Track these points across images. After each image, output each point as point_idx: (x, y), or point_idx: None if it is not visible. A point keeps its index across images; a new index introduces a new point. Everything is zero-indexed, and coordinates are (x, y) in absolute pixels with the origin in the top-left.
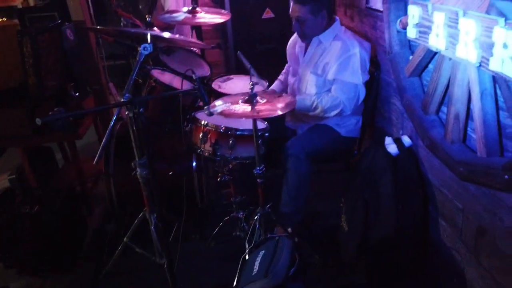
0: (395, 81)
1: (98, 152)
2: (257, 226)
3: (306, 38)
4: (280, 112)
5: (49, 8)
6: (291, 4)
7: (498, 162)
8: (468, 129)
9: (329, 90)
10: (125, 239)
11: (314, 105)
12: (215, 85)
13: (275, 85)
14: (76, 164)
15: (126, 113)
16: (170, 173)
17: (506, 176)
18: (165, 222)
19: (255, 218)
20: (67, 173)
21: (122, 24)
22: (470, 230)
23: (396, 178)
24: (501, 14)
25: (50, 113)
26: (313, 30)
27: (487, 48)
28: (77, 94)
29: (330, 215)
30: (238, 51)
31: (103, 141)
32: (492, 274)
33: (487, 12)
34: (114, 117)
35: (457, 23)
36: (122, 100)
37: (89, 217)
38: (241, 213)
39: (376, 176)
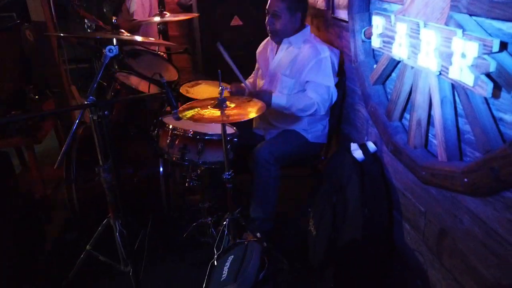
0: (360, 88)
1: (59, 156)
2: (226, 232)
3: (278, 36)
4: (250, 116)
5: (7, 8)
6: None
7: (458, 166)
8: (430, 134)
9: (302, 91)
10: (87, 247)
11: (289, 104)
12: (183, 90)
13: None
14: (34, 170)
15: (90, 115)
16: (135, 179)
17: (466, 179)
18: (130, 228)
19: (224, 223)
20: (25, 179)
21: (86, 25)
22: (432, 233)
23: (362, 183)
24: (459, 26)
25: (7, 116)
26: (286, 29)
27: (447, 57)
28: (37, 97)
29: (298, 219)
30: (218, 42)
31: (65, 145)
32: (454, 274)
33: (446, 24)
34: (77, 121)
35: (419, 33)
36: (86, 103)
37: (49, 225)
38: (209, 219)
39: (343, 181)
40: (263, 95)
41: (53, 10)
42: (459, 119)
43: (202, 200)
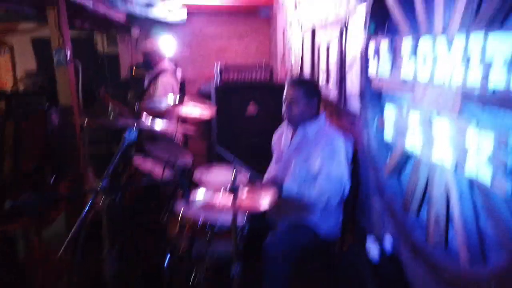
0: (374, 180)
1: (65, 243)
2: None
3: (294, 122)
4: (262, 209)
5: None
6: (286, 88)
7: (482, 271)
8: (449, 233)
9: (314, 181)
10: None
11: (299, 196)
12: (196, 175)
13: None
14: (39, 257)
15: (102, 200)
16: (140, 269)
17: (493, 285)
18: None
19: None
20: (28, 265)
21: (110, 110)
22: None
23: (380, 285)
24: (473, 116)
25: (21, 197)
26: (303, 114)
27: (462, 151)
28: (53, 177)
29: None
30: (218, 147)
31: (72, 231)
32: None
33: (460, 115)
34: (88, 206)
35: (432, 124)
36: (99, 186)
37: None
38: None
39: (358, 282)
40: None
41: (80, 96)
42: (479, 218)
43: None
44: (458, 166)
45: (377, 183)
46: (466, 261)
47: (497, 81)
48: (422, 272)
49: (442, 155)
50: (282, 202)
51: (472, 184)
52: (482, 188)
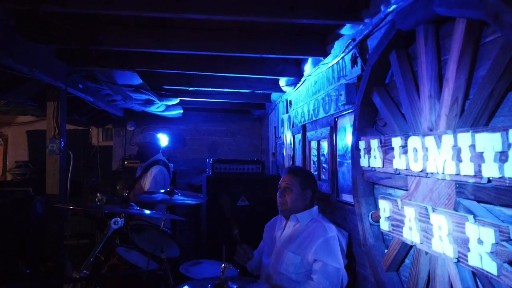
0: (373, 275)
1: None
2: None
3: (286, 210)
4: None
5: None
6: (283, 176)
7: None
8: None
9: (309, 273)
10: None
11: None
12: (182, 268)
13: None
14: None
15: None
16: None
17: None
18: None
19: None
20: None
21: (97, 199)
22: None
23: None
24: (469, 211)
25: None
26: (295, 203)
27: (462, 243)
28: (28, 271)
29: None
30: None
31: None
32: None
33: (455, 209)
34: None
35: (429, 218)
36: (79, 276)
37: None
38: None
39: None
40: None
41: (68, 185)
42: None
43: None
44: (460, 257)
45: (375, 279)
46: None
47: (491, 172)
48: None
49: (442, 247)
50: None
51: (476, 275)
52: (488, 281)
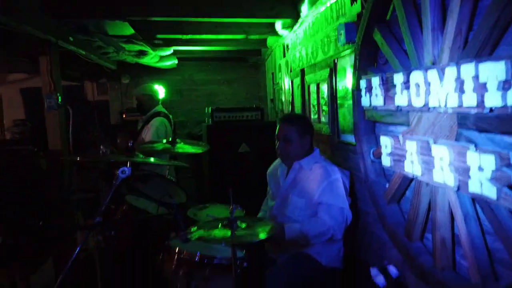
0: (375, 209)
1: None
2: None
3: (288, 159)
4: (260, 237)
5: (25, 141)
6: (279, 125)
7: None
8: (456, 255)
9: (314, 215)
10: None
11: (303, 233)
12: (190, 213)
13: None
14: None
15: (96, 237)
16: None
17: None
18: None
19: None
20: None
21: (101, 151)
22: None
23: None
24: (470, 141)
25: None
26: (296, 152)
27: (463, 172)
28: (41, 223)
29: None
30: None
31: (62, 274)
32: None
33: (456, 140)
34: (79, 247)
35: (430, 150)
36: (92, 224)
37: None
38: None
39: None
40: (275, 231)
41: (70, 140)
42: (487, 236)
43: None
44: (461, 185)
45: (377, 213)
46: (478, 279)
47: (493, 101)
48: None
49: (443, 177)
50: (287, 243)
51: (476, 202)
52: (487, 205)
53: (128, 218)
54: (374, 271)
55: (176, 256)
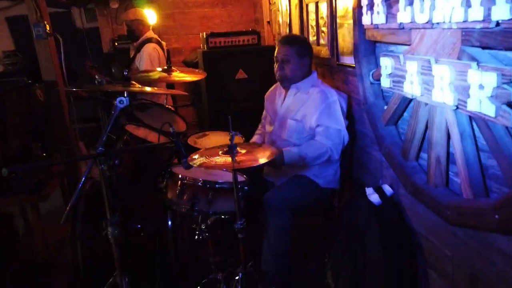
0: (372, 130)
1: (65, 212)
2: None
3: (287, 81)
4: (260, 162)
5: (19, 73)
6: (278, 46)
7: (486, 202)
8: (450, 173)
9: (312, 138)
10: None
11: (302, 155)
12: (190, 141)
13: (255, 139)
14: (37, 231)
15: (100, 166)
16: (143, 233)
17: (497, 216)
18: (138, 286)
19: (237, 278)
20: (28, 241)
21: (96, 81)
22: (462, 279)
23: (381, 228)
24: (473, 59)
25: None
26: (295, 73)
27: (463, 90)
28: (44, 154)
29: (314, 271)
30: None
31: (71, 200)
32: None
33: (459, 58)
34: (84, 176)
35: (431, 70)
36: (96, 153)
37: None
38: (220, 274)
39: (360, 228)
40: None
41: (64, 70)
42: (481, 154)
43: (212, 254)
44: (460, 104)
45: (375, 133)
46: (469, 195)
47: (501, 14)
48: (423, 213)
49: (442, 96)
50: (285, 167)
51: (473, 121)
52: (484, 123)
53: (131, 146)
54: (369, 190)
55: (179, 182)
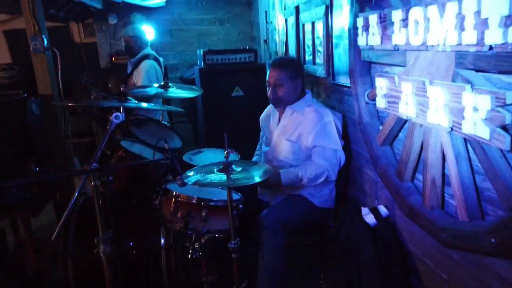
0: (367, 150)
1: (57, 228)
2: None
3: (281, 104)
4: (256, 180)
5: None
6: (269, 70)
7: (481, 226)
8: (445, 195)
9: (308, 158)
10: None
11: (299, 177)
12: (186, 158)
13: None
14: (28, 245)
15: (93, 182)
16: (135, 251)
17: (493, 240)
18: None
19: None
20: (19, 254)
21: (92, 96)
22: None
23: (377, 249)
24: (467, 81)
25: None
26: (289, 96)
27: (458, 112)
28: (38, 168)
29: None
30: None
31: (63, 216)
32: None
33: (453, 81)
34: (77, 191)
35: (426, 91)
36: (89, 169)
37: None
38: None
39: (355, 248)
40: (271, 178)
41: (60, 84)
42: (476, 176)
43: (205, 274)
44: (455, 126)
45: (370, 154)
46: (465, 217)
47: (494, 38)
48: (418, 234)
49: (437, 118)
50: (283, 188)
51: (468, 143)
52: (479, 146)
53: (126, 162)
54: (365, 210)
55: (173, 199)
